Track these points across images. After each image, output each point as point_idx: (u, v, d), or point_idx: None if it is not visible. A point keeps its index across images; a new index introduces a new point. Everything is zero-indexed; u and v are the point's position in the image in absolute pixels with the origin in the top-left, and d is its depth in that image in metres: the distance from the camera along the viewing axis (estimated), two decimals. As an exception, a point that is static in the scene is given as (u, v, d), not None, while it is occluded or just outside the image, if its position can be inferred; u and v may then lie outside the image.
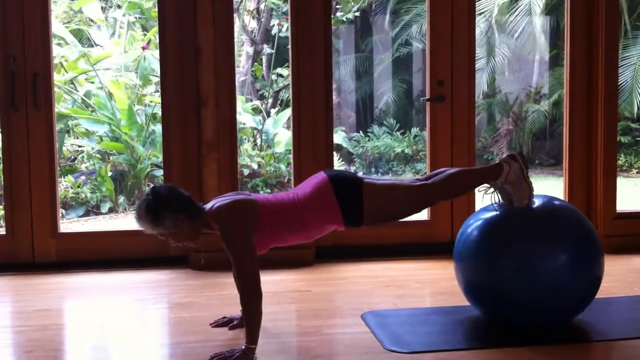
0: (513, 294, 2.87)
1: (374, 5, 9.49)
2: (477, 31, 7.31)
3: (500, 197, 3.02)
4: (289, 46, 4.21)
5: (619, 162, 8.54)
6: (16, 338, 3.06)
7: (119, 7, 7.46)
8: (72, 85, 6.92)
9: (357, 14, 8.96)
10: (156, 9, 4.20)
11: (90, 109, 6.77)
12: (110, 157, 6.74)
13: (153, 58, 6.63)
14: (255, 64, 8.40)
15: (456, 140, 4.31)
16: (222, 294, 3.58)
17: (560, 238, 2.91)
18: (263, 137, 7.60)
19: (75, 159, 7.07)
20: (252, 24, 8.50)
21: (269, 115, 7.87)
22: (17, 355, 2.86)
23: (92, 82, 6.97)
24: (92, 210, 6.44)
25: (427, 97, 4.33)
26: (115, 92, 6.66)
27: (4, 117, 4.00)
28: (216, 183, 4.11)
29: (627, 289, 3.57)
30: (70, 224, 6.16)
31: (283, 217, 2.81)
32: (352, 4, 8.89)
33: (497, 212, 3.00)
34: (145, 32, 7.53)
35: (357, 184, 2.83)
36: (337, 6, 8.82)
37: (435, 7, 4.27)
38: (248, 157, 7.25)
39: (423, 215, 4.42)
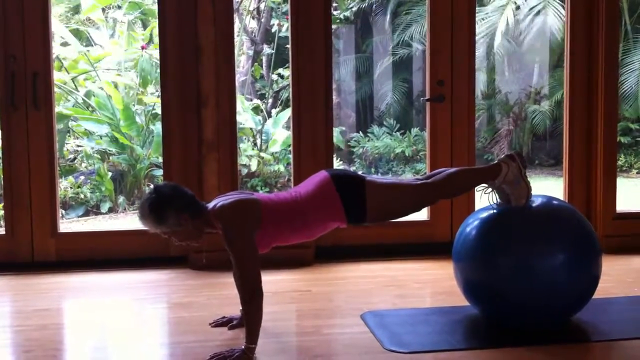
0: (511, 293, 2.87)
1: (374, 6, 9.49)
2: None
3: (498, 197, 3.03)
4: (289, 46, 4.21)
5: (619, 163, 8.54)
6: (15, 338, 3.06)
7: (119, 7, 7.46)
8: (73, 85, 6.92)
9: (354, 10, 8.94)
10: (156, 9, 4.20)
11: (90, 109, 6.77)
12: (110, 157, 6.74)
13: (153, 58, 6.64)
14: (255, 64, 8.40)
15: (456, 140, 4.31)
16: (221, 293, 3.58)
17: (558, 238, 2.91)
18: (263, 137, 7.60)
19: (75, 158, 7.07)
20: (252, 24, 8.50)
21: (269, 115, 7.86)
22: (16, 354, 2.86)
23: (94, 82, 6.97)
24: (92, 210, 6.44)
25: (427, 97, 4.32)
26: (112, 93, 6.66)
27: (4, 117, 4.00)
28: (216, 183, 4.11)
29: (627, 289, 3.57)
30: (70, 223, 6.16)
31: (285, 215, 2.81)
32: (349, 1, 8.89)
33: (496, 212, 3.01)
34: (144, 29, 7.53)
35: (359, 182, 2.84)
36: (334, 4, 8.82)
37: (436, 8, 4.27)
38: (247, 157, 7.25)
39: (423, 215, 4.43)
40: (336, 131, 8.38)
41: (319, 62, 4.15)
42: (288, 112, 6.94)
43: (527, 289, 2.84)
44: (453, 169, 3.02)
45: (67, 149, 7.00)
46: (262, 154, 7.42)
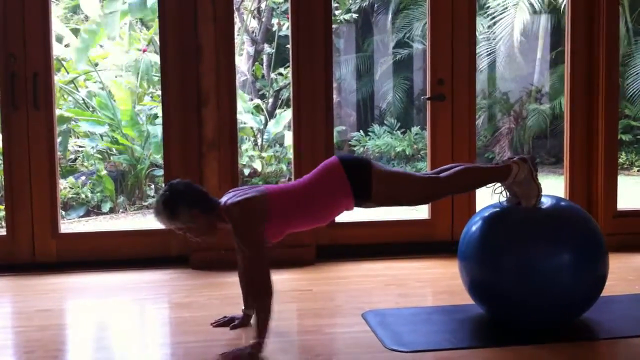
0: (517, 293, 2.87)
1: (375, 5, 9.49)
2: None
3: (508, 196, 3.05)
4: (290, 45, 4.20)
5: (620, 160, 8.53)
6: (16, 338, 3.06)
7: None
8: (73, 85, 6.92)
9: (356, 15, 8.94)
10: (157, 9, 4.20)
11: (91, 109, 6.77)
12: (111, 157, 6.74)
13: (153, 61, 6.64)
14: (256, 63, 8.40)
15: (457, 139, 4.31)
16: (222, 293, 3.58)
17: (565, 237, 2.92)
18: (264, 137, 7.60)
19: (75, 159, 7.07)
20: (253, 24, 8.49)
21: (270, 115, 7.86)
22: (18, 355, 2.86)
23: (94, 82, 6.96)
24: (93, 210, 6.44)
25: (427, 96, 4.32)
26: (116, 92, 6.67)
27: (4, 117, 4.00)
28: (217, 182, 4.10)
29: (629, 287, 3.57)
30: (71, 224, 6.16)
31: (295, 203, 2.86)
32: (350, 2, 8.87)
33: (501, 211, 3.02)
34: (145, 29, 7.52)
35: (365, 162, 2.93)
36: (336, 4, 8.81)
37: (436, 6, 4.26)
38: (248, 157, 7.25)
39: (423, 214, 4.43)
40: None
41: (319, 62, 4.14)
42: (290, 112, 6.94)
43: (533, 289, 2.84)
44: (464, 166, 3.04)
45: (68, 149, 7.00)
46: (262, 154, 7.42)
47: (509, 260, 2.90)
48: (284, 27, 7.85)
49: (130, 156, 6.63)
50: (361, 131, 9.39)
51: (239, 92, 7.43)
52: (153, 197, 6.71)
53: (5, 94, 3.98)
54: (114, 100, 6.71)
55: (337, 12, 8.65)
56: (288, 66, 5.31)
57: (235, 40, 7.35)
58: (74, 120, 6.74)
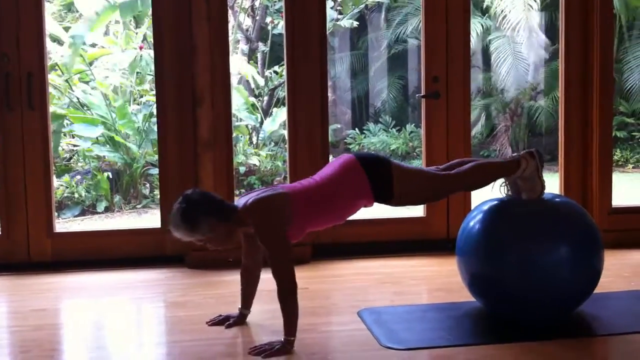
0: (517, 287, 2.90)
1: (369, 5, 9.48)
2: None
3: (510, 190, 3.09)
4: (284, 44, 4.20)
5: (615, 157, 8.54)
6: (12, 338, 3.05)
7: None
8: (67, 85, 6.90)
9: (357, 23, 8.94)
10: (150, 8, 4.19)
11: (85, 108, 6.75)
12: (106, 157, 6.73)
13: (150, 57, 6.62)
14: (251, 61, 8.39)
15: (452, 136, 4.31)
16: (217, 292, 3.58)
17: (562, 232, 2.95)
18: (260, 135, 7.59)
19: (70, 158, 7.06)
20: (247, 22, 8.48)
21: (265, 114, 7.86)
22: (13, 355, 2.85)
23: (87, 82, 6.95)
24: (88, 209, 6.43)
25: (422, 94, 4.32)
26: (109, 92, 6.65)
27: (-1, 117, 3.99)
28: (212, 181, 4.10)
29: (624, 284, 3.58)
30: (66, 223, 6.15)
31: (315, 202, 2.84)
32: (352, 6, 8.87)
33: (498, 207, 3.04)
34: (139, 27, 7.50)
35: (385, 161, 2.92)
36: (338, 7, 8.81)
37: (430, 3, 4.26)
38: (244, 155, 7.24)
39: (419, 211, 4.43)
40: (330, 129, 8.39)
41: (314, 60, 4.14)
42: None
43: (533, 282, 2.87)
44: (474, 162, 3.05)
45: (63, 149, 6.98)
46: (260, 152, 7.41)
47: (508, 255, 2.93)
48: (279, 25, 7.85)
49: (125, 155, 6.62)
50: (356, 129, 9.39)
51: (239, 87, 7.43)
52: (148, 197, 6.71)
53: (-1, 94, 3.98)
54: (109, 99, 6.70)
55: (339, 17, 8.65)
56: (282, 64, 5.31)
57: (230, 39, 7.35)
58: (68, 120, 6.73)
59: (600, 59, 4.32)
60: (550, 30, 9.24)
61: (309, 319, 3.15)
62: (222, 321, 3.07)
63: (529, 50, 9.38)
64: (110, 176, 6.57)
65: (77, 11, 7.36)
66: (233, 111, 4.29)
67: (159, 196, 4.40)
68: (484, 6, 9.32)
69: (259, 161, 7.25)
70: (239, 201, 2.90)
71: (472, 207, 4.24)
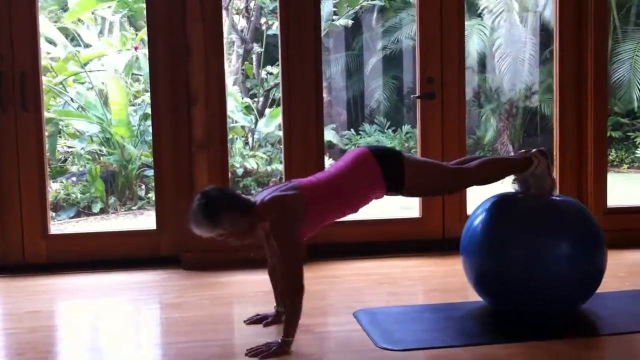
0: (520, 283, 2.94)
1: (364, 4, 9.48)
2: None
3: (520, 186, 3.14)
4: (279, 44, 4.20)
5: (610, 158, 8.57)
6: (7, 340, 3.04)
7: (109, 6, 7.42)
8: (62, 86, 6.89)
9: (352, 22, 8.94)
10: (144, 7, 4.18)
11: (80, 109, 6.74)
12: (101, 158, 6.71)
13: (145, 58, 6.61)
14: (246, 62, 8.38)
15: (447, 137, 4.32)
16: (213, 293, 3.57)
17: (566, 230, 3.01)
18: (255, 136, 7.59)
19: (65, 160, 7.04)
20: (242, 23, 8.47)
21: (261, 115, 7.85)
22: (9, 357, 2.84)
23: (82, 83, 6.93)
24: (83, 211, 6.42)
25: (417, 95, 4.32)
26: (107, 92, 6.64)
27: (-7, 119, 3.98)
28: (207, 182, 4.09)
29: (619, 284, 3.58)
30: (61, 225, 6.14)
31: (328, 197, 2.88)
32: (348, 7, 8.88)
33: (503, 205, 3.09)
34: (134, 29, 7.49)
35: (396, 152, 2.98)
36: (334, 9, 8.81)
37: (425, 4, 4.26)
38: (240, 156, 7.23)
39: (414, 212, 4.43)
40: (331, 132, 8.41)
41: (308, 61, 4.14)
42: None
43: (535, 279, 2.91)
44: (487, 158, 3.11)
45: (58, 150, 6.97)
46: (256, 153, 7.40)
47: (513, 252, 2.97)
48: (273, 26, 7.84)
49: (121, 156, 6.61)
50: (352, 130, 9.39)
51: (232, 89, 7.43)
52: (143, 198, 6.70)
53: (-7, 95, 3.96)
54: (104, 101, 6.68)
55: (334, 17, 8.65)
56: (278, 64, 5.31)
57: (225, 39, 7.33)
58: (61, 121, 6.71)
59: (595, 59, 4.33)
60: (544, 31, 9.26)
61: (304, 319, 3.12)
62: (260, 320, 3.07)
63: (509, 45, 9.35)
64: (106, 176, 6.57)
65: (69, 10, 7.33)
66: (228, 112, 4.28)
67: (154, 197, 4.39)
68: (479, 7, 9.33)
69: (256, 163, 7.25)
70: (257, 197, 2.93)
71: (468, 208, 4.26)
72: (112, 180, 6.68)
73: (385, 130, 9.30)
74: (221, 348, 2.83)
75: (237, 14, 8.42)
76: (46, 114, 5.89)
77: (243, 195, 2.93)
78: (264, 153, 7.50)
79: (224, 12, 7.56)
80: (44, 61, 6.63)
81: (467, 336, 2.93)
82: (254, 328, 3.03)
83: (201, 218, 2.75)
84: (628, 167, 8.89)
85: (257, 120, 7.65)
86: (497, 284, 3.03)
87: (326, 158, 8.12)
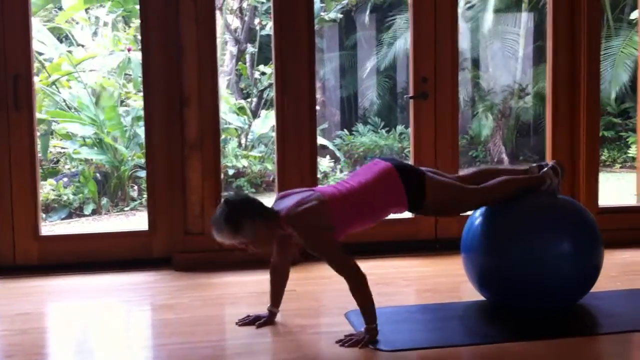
0: (520, 280, 3.01)
1: (357, 3, 9.48)
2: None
3: None
4: (272, 44, 4.19)
5: (603, 157, 8.59)
6: (-3, 342, 3.02)
7: (102, 5, 7.40)
8: (55, 87, 6.87)
9: (341, 15, 8.94)
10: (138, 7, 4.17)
11: (73, 110, 6.72)
12: (93, 159, 6.69)
13: (138, 59, 6.60)
14: (240, 62, 8.38)
15: (440, 137, 4.31)
16: (205, 294, 3.56)
17: (565, 227, 3.08)
18: (249, 137, 7.58)
19: (58, 161, 7.02)
20: (236, 23, 8.46)
21: (254, 115, 7.84)
22: (-2, 359, 2.83)
23: (78, 82, 6.91)
24: (75, 212, 6.39)
25: (410, 95, 4.32)
26: (99, 93, 6.62)
27: (-16, 119, 3.96)
28: (200, 182, 4.08)
29: (611, 284, 3.58)
30: (53, 226, 6.12)
31: (352, 208, 2.90)
32: (336, 3, 8.87)
33: (501, 205, 3.13)
34: (128, 28, 7.47)
35: (419, 172, 3.02)
36: (322, 4, 8.80)
37: (418, 4, 4.26)
38: (234, 156, 7.22)
39: (407, 213, 4.42)
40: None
41: (302, 61, 4.13)
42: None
43: (535, 276, 2.98)
44: (501, 178, 3.12)
45: (50, 151, 6.95)
46: (249, 154, 7.39)
47: (516, 249, 3.03)
48: (267, 26, 7.84)
49: (113, 157, 6.59)
50: (345, 130, 9.39)
51: (224, 92, 7.42)
52: (136, 199, 6.68)
53: (-16, 95, 3.94)
54: (96, 102, 6.66)
55: (322, 13, 8.64)
56: (271, 64, 5.30)
57: (218, 40, 7.32)
58: (56, 122, 6.69)
59: (587, 58, 4.34)
60: (537, 31, 9.28)
61: (297, 320, 3.14)
62: (253, 321, 3.07)
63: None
64: (99, 177, 6.55)
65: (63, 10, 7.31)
66: (220, 114, 4.27)
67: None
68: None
69: (248, 163, 7.24)
70: (278, 204, 2.94)
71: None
72: (105, 181, 6.66)
73: (379, 131, 9.30)
74: (213, 349, 2.82)
75: (231, 14, 8.42)
76: (38, 115, 5.89)
77: (265, 204, 2.94)
78: (258, 153, 7.49)
79: (217, 13, 7.57)
80: (37, 62, 6.61)
81: (459, 336, 2.93)
82: (246, 329, 3.03)
83: (224, 225, 2.79)
84: (620, 167, 8.91)
85: (250, 121, 7.64)
86: (498, 280, 3.09)
87: (319, 159, 8.12)
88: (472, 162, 9.10)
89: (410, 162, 4.43)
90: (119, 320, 3.33)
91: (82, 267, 4.01)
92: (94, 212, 6.40)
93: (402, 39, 9.08)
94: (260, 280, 3.78)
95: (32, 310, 3.40)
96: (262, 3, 8.12)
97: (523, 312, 3.07)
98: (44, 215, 6.11)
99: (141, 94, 6.68)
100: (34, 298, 3.60)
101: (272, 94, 7.27)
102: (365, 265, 4.02)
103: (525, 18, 9.29)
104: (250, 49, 8.33)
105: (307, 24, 4.13)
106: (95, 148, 6.62)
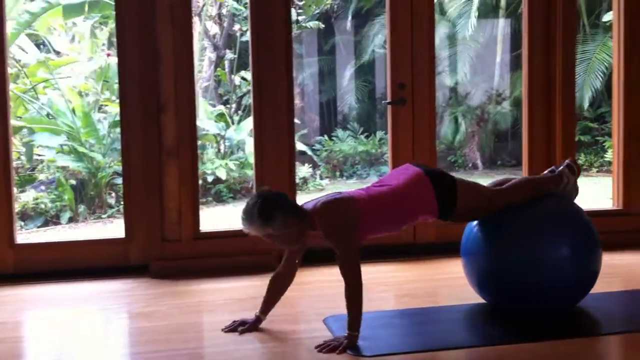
0: (520, 282, 3.06)
1: (335, 8, 9.51)
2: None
3: None
4: (249, 49, 4.18)
5: (579, 162, 8.66)
6: (-29, 352, 2.98)
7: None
8: (33, 92, 6.81)
9: (322, 25, 8.96)
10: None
11: (50, 117, 6.67)
12: (70, 166, 6.64)
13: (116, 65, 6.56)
14: (219, 69, 8.36)
15: (417, 142, 4.33)
16: (182, 302, 3.54)
17: (565, 231, 3.12)
18: (226, 144, 7.56)
19: (34, 168, 6.95)
20: (215, 29, 8.45)
21: (234, 121, 7.83)
22: (-28, 370, 2.79)
23: (54, 90, 6.86)
24: (52, 220, 6.33)
25: (388, 100, 4.33)
26: (73, 100, 6.57)
27: (-42, 127, 3.91)
28: (177, 189, 4.06)
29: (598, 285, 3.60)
30: (29, 234, 6.05)
31: (380, 210, 2.92)
32: (314, 7, 8.89)
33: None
34: (107, 35, 7.44)
35: (450, 179, 3.02)
36: (299, 10, 8.81)
37: (396, 10, 4.28)
38: (211, 163, 7.20)
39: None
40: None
41: (279, 67, 4.13)
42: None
43: (535, 279, 3.03)
44: (519, 178, 3.19)
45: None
46: (226, 161, 7.37)
47: (517, 253, 3.06)
48: (247, 32, 7.83)
49: (90, 164, 6.54)
50: (325, 135, 9.40)
51: (201, 99, 7.40)
52: (113, 206, 6.64)
53: (-42, 102, 3.89)
54: (73, 109, 6.62)
55: (300, 19, 8.66)
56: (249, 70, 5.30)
57: (196, 47, 7.31)
58: (29, 131, 6.63)
59: (563, 64, 4.38)
60: (514, 37, 9.35)
61: (275, 327, 3.13)
62: (238, 327, 3.05)
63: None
64: (76, 184, 6.50)
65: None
66: (198, 121, 4.25)
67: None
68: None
69: (226, 171, 7.21)
70: (306, 205, 2.95)
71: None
72: (82, 189, 6.60)
73: (358, 136, 9.32)
74: (189, 357, 2.80)
75: (210, 20, 8.40)
76: (15, 122, 5.84)
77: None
78: (237, 160, 7.48)
79: (196, 19, 7.56)
80: (13, 69, 6.55)
81: (438, 341, 2.93)
82: (223, 337, 3.01)
83: (256, 217, 2.79)
84: (597, 171, 9.00)
85: (227, 127, 7.62)
86: (498, 284, 3.13)
87: (299, 165, 8.11)
88: (450, 167, 9.15)
89: (389, 167, 4.45)
90: (95, 329, 3.30)
91: (58, 275, 3.97)
92: (71, 220, 6.35)
93: (381, 45, 9.12)
94: (239, 286, 3.78)
95: (8, 320, 3.36)
96: (241, 10, 8.12)
97: (515, 315, 3.10)
98: (21, 223, 6.05)
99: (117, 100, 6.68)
100: (9, 307, 3.55)
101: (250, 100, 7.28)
102: (344, 271, 4.04)
103: (502, 24, 9.37)
104: (230, 55, 8.31)
105: (285, 28, 4.13)
106: (72, 155, 6.57)
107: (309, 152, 8.56)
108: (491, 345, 2.85)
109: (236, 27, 8.26)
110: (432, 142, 4.36)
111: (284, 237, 2.85)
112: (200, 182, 6.22)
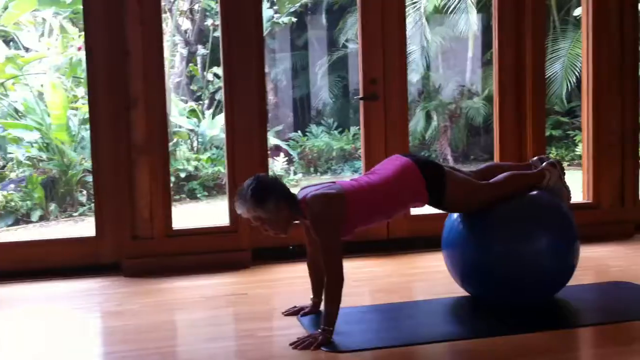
0: (500, 274, 3.08)
1: (309, 4, 9.49)
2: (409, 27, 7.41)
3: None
4: (220, 45, 4.15)
5: (551, 156, 8.75)
6: (-62, 355, 2.93)
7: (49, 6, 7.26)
8: (2, 88, 6.71)
9: (295, 19, 8.93)
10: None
11: (19, 114, 6.57)
12: (41, 164, 6.55)
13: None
14: (191, 64, 8.31)
15: (390, 138, 4.34)
16: (155, 300, 3.51)
17: (544, 223, 3.15)
18: (199, 140, 7.51)
19: (4, 166, 6.85)
20: (186, 25, 8.39)
21: (206, 117, 7.78)
22: (-61, 372, 2.74)
23: (25, 86, 6.76)
24: (22, 218, 6.25)
25: (360, 96, 4.33)
26: (47, 96, 6.48)
27: None
28: (148, 186, 4.03)
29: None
30: (-1, 233, 5.98)
31: (369, 202, 2.96)
32: (289, 5, 8.87)
33: None
34: (78, 30, 7.35)
35: (439, 166, 3.07)
36: (274, 7, 8.78)
37: (367, 5, 4.27)
38: (185, 160, 7.15)
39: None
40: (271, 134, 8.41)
41: (251, 62, 4.11)
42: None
43: (515, 270, 3.06)
44: (508, 173, 3.18)
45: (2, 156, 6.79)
46: (199, 157, 7.33)
47: (497, 245, 3.09)
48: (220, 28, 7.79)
49: (61, 161, 6.45)
50: (299, 131, 9.39)
51: (173, 95, 7.34)
52: (84, 204, 6.56)
53: None
54: (45, 105, 6.53)
55: (275, 15, 8.62)
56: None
57: (167, 42, 7.25)
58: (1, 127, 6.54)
59: (533, 58, 4.41)
60: (486, 32, 9.42)
61: (248, 324, 3.12)
62: (297, 312, 3.14)
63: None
64: (47, 182, 6.42)
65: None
66: (170, 118, 4.21)
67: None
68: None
69: (197, 167, 7.16)
70: (300, 193, 2.99)
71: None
72: (52, 187, 6.52)
73: (332, 132, 9.33)
74: (162, 356, 2.78)
75: (181, 15, 8.34)
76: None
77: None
78: (210, 155, 7.43)
79: (168, 14, 7.49)
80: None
81: (413, 335, 2.94)
82: (195, 335, 3.00)
83: (249, 197, 2.84)
84: (568, 165, 9.11)
85: (199, 122, 7.58)
86: (478, 274, 3.16)
87: (274, 160, 8.09)
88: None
89: (362, 163, 4.45)
90: (67, 328, 3.26)
91: (29, 275, 3.93)
92: (42, 218, 6.27)
93: (353, 40, 9.12)
94: (212, 283, 3.76)
95: (-24, 321, 3.31)
96: (212, 7, 8.06)
97: (492, 308, 3.14)
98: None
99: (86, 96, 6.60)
100: (-23, 308, 3.50)
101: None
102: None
103: (474, 19, 9.42)
104: (202, 50, 8.26)
105: (255, 23, 4.11)
106: (42, 152, 6.48)
107: (284, 146, 8.54)
108: (468, 338, 2.86)
109: (209, 22, 8.20)
110: (404, 137, 4.37)
111: (274, 221, 2.88)
112: (173, 179, 6.18)
